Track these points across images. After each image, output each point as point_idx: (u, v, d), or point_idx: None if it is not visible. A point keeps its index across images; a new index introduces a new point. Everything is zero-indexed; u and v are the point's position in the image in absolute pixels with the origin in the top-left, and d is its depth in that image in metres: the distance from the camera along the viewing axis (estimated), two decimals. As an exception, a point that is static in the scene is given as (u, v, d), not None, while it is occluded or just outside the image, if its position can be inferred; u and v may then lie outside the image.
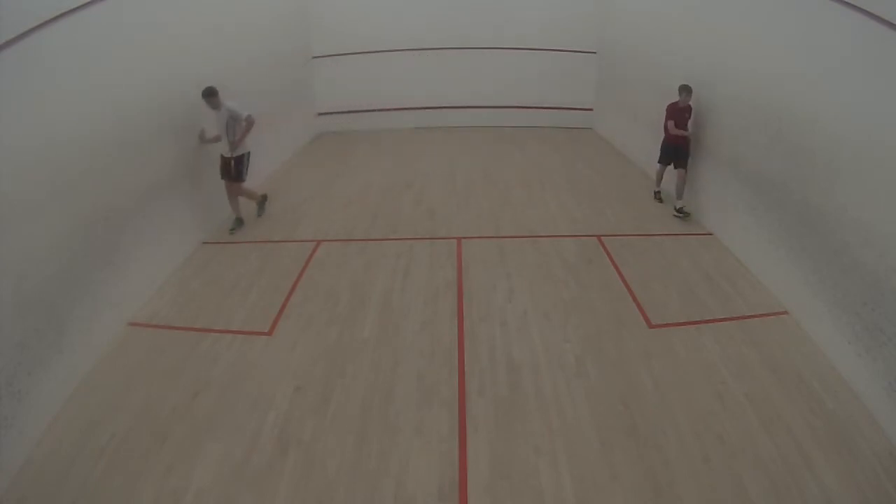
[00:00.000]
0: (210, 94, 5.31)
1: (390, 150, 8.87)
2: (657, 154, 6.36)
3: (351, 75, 9.56)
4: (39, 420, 3.26)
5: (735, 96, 5.19)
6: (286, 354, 3.95)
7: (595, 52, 9.41)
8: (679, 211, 6.05)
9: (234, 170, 5.68)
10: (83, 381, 3.67)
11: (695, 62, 5.99)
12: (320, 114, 9.77)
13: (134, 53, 4.46)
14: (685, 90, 5.75)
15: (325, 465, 3.03)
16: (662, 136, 6.19)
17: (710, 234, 5.67)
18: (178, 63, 5.11)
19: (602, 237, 5.65)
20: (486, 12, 9.37)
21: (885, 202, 3.40)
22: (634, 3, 7.95)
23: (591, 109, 9.79)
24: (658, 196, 6.57)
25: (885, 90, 3.38)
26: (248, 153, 5.72)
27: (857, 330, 3.57)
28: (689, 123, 5.91)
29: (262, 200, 6.30)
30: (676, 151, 6.03)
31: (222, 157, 5.67)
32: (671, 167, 6.22)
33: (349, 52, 9.43)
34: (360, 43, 9.39)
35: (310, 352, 3.98)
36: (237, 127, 5.51)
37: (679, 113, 5.89)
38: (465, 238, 5.68)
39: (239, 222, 5.96)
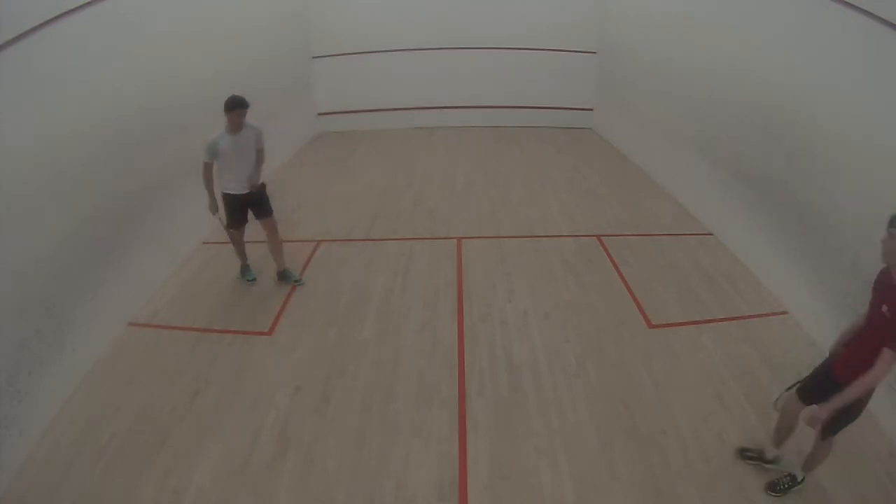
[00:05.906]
0: (244, 105, 4.05)
1: (390, 150, 8.86)
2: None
3: (351, 75, 9.54)
4: (39, 420, 3.26)
5: (735, 96, 5.18)
6: (286, 354, 3.95)
7: (595, 52, 9.41)
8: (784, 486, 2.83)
9: (266, 201, 4.52)
10: (83, 381, 3.67)
11: (695, 61, 5.98)
12: (320, 114, 9.77)
13: (133, 53, 4.46)
14: None
15: (325, 465, 3.03)
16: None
17: (710, 234, 5.66)
18: (178, 63, 5.10)
19: (602, 237, 5.65)
20: (486, 12, 9.36)
21: (884, 202, 3.39)
22: (634, 3, 7.95)
23: (591, 109, 9.78)
24: (756, 456, 3.00)
25: (885, 90, 3.38)
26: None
27: (857, 330, 3.56)
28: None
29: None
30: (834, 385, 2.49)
31: (233, 195, 4.39)
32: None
33: (349, 52, 9.42)
34: (360, 43, 9.38)
35: (310, 352, 3.98)
36: (259, 157, 4.40)
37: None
38: (465, 238, 5.68)
39: (286, 276, 4.83)
